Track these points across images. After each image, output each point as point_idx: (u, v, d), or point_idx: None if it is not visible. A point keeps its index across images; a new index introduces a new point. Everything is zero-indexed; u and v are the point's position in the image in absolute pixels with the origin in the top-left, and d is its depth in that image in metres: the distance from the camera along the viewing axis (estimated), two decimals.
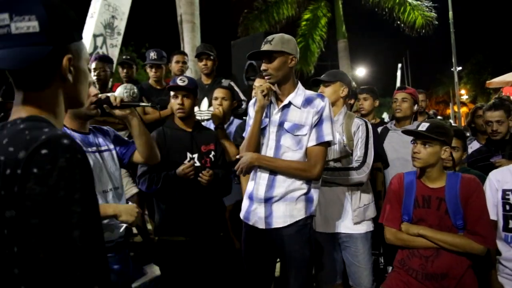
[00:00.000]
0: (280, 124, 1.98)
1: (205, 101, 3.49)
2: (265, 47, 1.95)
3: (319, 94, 2.06)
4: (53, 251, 0.73)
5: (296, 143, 1.95)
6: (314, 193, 2.01)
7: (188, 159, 2.34)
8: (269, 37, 1.98)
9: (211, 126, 2.73)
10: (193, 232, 2.28)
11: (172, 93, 2.38)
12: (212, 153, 2.39)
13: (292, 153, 1.95)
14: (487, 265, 2.08)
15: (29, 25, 0.80)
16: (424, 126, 1.96)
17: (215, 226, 2.32)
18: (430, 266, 1.94)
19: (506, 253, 2.04)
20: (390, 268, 2.72)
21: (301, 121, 1.95)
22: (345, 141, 2.30)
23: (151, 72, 3.71)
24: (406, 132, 2.11)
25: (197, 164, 2.34)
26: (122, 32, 4.86)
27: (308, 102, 1.98)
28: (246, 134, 2.08)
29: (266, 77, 1.97)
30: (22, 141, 0.77)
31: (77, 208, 0.75)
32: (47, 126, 0.83)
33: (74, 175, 0.76)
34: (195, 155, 2.35)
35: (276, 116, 2.00)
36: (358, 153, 2.27)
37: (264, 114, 2.02)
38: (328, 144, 1.99)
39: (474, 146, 3.40)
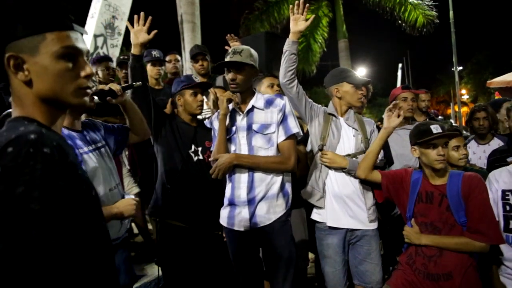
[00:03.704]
0: (249, 128, 2.09)
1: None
2: (235, 57, 2.03)
3: (277, 95, 2.20)
4: (8, 251, 0.69)
5: (267, 141, 2.07)
6: (288, 187, 2.13)
7: (193, 149, 2.39)
8: (237, 48, 2.08)
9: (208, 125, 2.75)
10: (195, 221, 2.29)
11: (190, 91, 2.40)
12: None
13: (265, 152, 2.07)
14: (490, 265, 2.07)
15: None
16: (438, 128, 1.96)
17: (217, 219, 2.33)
18: (432, 266, 1.93)
19: (507, 254, 2.04)
20: (391, 268, 2.71)
21: (267, 120, 2.08)
22: (362, 138, 2.34)
23: (154, 70, 3.67)
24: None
25: (201, 157, 2.40)
26: (122, 32, 4.87)
27: (269, 103, 2.12)
28: (213, 146, 2.17)
29: (232, 86, 2.07)
30: None
31: (35, 205, 0.71)
32: (26, 124, 0.79)
33: (34, 171, 0.71)
34: (199, 148, 2.41)
35: (242, 121, 2.11)
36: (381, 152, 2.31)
37: (229, 123, 2.13)
38: (295, 136, 2.10)
39: (472, 145, 3.39)
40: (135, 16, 2.16)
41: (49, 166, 0.73)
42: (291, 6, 2.29)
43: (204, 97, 3.45)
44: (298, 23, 2.25)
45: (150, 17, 2.15)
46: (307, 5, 2.27)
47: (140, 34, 2.14)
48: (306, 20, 2.26)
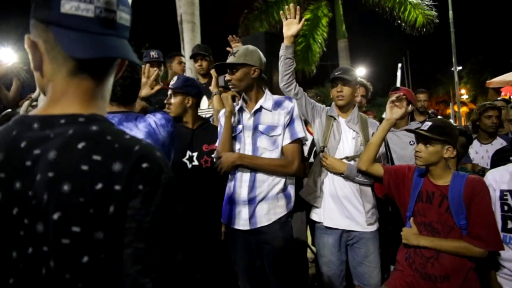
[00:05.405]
0: (255, 128, 2.10)
1: (204, 100, 3.51)
2: (229, 59, 2.07)
3: (286, 97, 2.19)
4: (160, 280, 0.65)
5: (272, 143, 2.07)
6: (291, 190, 2.13)
7: (187, 156, 2.33)
8: (234, 49, 2.10)
9: None
10: (194, 230, 2.26)
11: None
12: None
13: (269, 153, 2.07)
14: (487, 265, 2.07)
15: (127, 17, 0.74)
16: (426, 126, 1.97)
17: (214, 229, 2.31)
18: (430, 267, 1.93)
19: (505, 254, 2.03)
20: (392, 267, 2.71)
21: (274, 122, 2.08)
22: (362, 140, 2.33)
23: (152, 71, 3.66)
24: (410, 131, 2.12)
25: (196, 163, 2.33)
26: None
27: (277, 104, 2.12)
28: (218, 142, 2.18)
29: (230, 87, 2.11)
30: (111, 149, 0.66)
31: (178, 229, 0.69)
32: (121, 130, 0.73)
33: (173, 193, 0.70)
34: (195, 154, 2.35)
35: (249, 121, 2.12)
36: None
37: (236, 122, 2.14)
38: (300, 140, 2.11)
39: (474, 145, 3.35)
40: (144, 67, 2.08)
41: (175, 186, 0.73)
42: (281, 12, 2.29)
43: (205, 97, 3.49)
44: (290, 27, 2.26)
45: (157, 72, 2.05)
46: (298, 7, 2.26)
47: (143, 88, 2.00)
48: (299, 22, 2.24)
